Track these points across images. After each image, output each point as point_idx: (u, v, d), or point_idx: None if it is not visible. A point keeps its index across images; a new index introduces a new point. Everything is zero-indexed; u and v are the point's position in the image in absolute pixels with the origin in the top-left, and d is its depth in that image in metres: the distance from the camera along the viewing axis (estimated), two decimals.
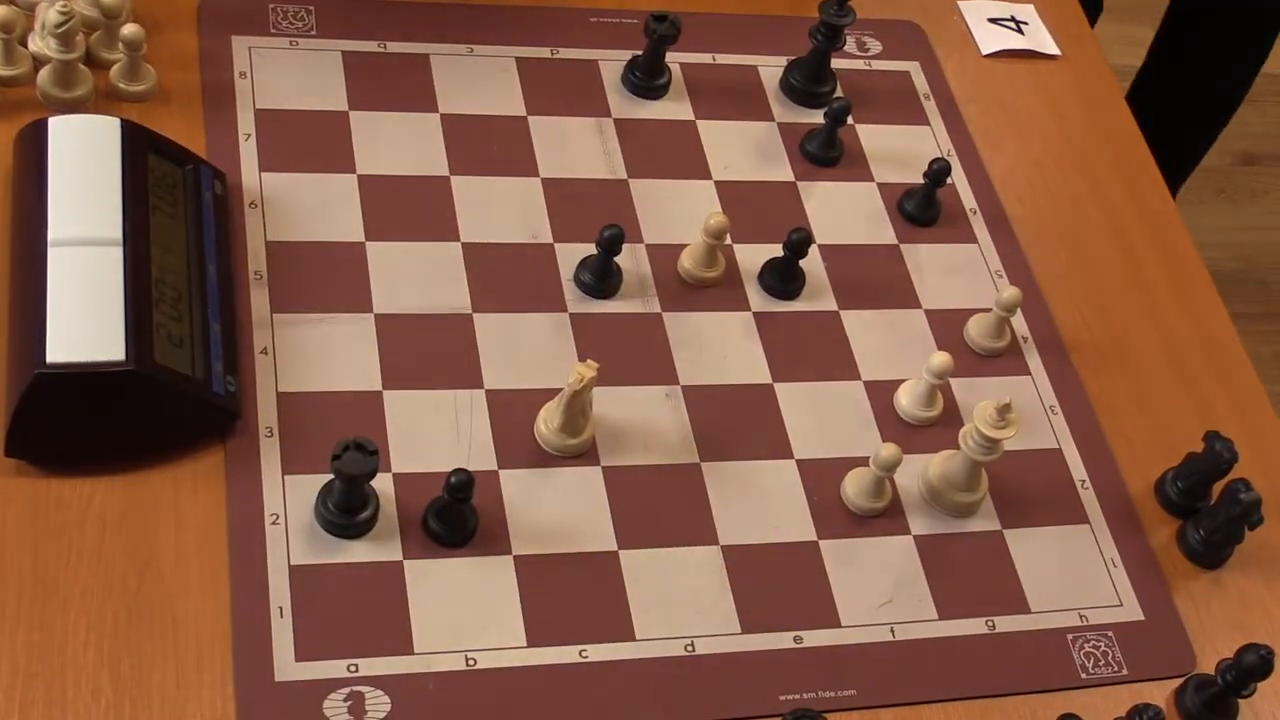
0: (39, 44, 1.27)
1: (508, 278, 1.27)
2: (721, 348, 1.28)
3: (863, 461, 1.21)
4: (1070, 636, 1.19)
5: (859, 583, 1.17)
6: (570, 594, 1.12)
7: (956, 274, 1.39)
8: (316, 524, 1.10)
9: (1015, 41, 1.61)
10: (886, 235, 1.40)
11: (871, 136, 1.47)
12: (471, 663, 1.07)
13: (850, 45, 1.53)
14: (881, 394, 1.28)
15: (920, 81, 1.54)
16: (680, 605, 1.13)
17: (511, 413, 1.19)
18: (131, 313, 1.08)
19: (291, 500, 1.11)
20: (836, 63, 1.49)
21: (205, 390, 1.11)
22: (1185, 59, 2.47)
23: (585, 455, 1.19)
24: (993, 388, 1.30)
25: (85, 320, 1.07)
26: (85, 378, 1.05)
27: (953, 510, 1.23)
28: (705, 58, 1.49)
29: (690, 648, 1.11)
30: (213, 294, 1.16)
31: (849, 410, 1.27)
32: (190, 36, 1.35)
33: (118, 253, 1.11)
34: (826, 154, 1.43)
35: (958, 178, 1.46)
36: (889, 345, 1.32)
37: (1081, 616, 1.20)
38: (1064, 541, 1.24)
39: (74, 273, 1.09)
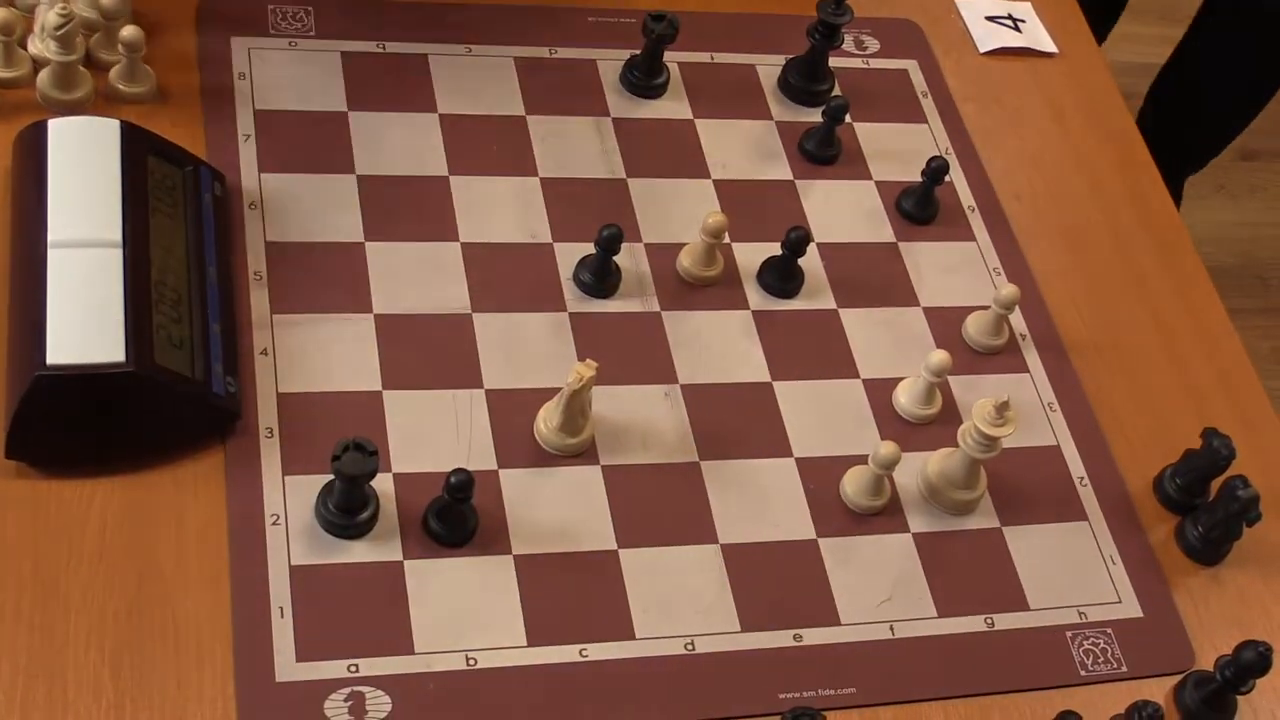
0: (38, 46, 1.28)
1: (507, 277, 1.27)
2: (720, 346, 1.28)
3: (862, 460, 1.21)
4: (1069, 634, 1.19)
5: (858, 581, 1.18)
6: (570, 593, 1.12)
7: (955, 272, 1.39)
8: (317, 524, 1.10)
9: (1013, 39, 1.61)
10: (885, 233, 1.40)
11: (869, 135, 1.47)
12: (472, 662, 1.07)
13: (848, 44, 1.53)
14: (880, 392, 1.29)
15: (918, 80, 1.54)
16: (680, 604, 1.13)
17: (511, 412, 1.20)
18: (131, 314, 1.08)
19: (292, 501, 1.11)
20: (834, 61, 1.50)
21: (205, 391, 1.11)
22: (1213, 58, 2.48)
23: (585, 454, 1.19)
24: (991, 385, 1.31)
25: (85, 322, 1.07)
26: (85, 379, 1.06)
27: (952, 508, 1.23)
28: (703, 57, 1.49)
29: (690, 646, 1.12)
30: (212, 295, 1.16)
31: (848, 408, 1.27)
32: (189, 38, 1.35)
33: (117, 254, 1.11)
34: (825, 153, 1.44)
35: (956, 176, 1.46)
36: (887, 343, 1.32)
37: (1080, 614, 1.20)
38: (1063, 539, 1.24)
39: (74, 274, 1.09)
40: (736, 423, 1.24)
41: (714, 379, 1.26)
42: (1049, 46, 1.62)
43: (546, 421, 1.18)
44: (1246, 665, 1.12)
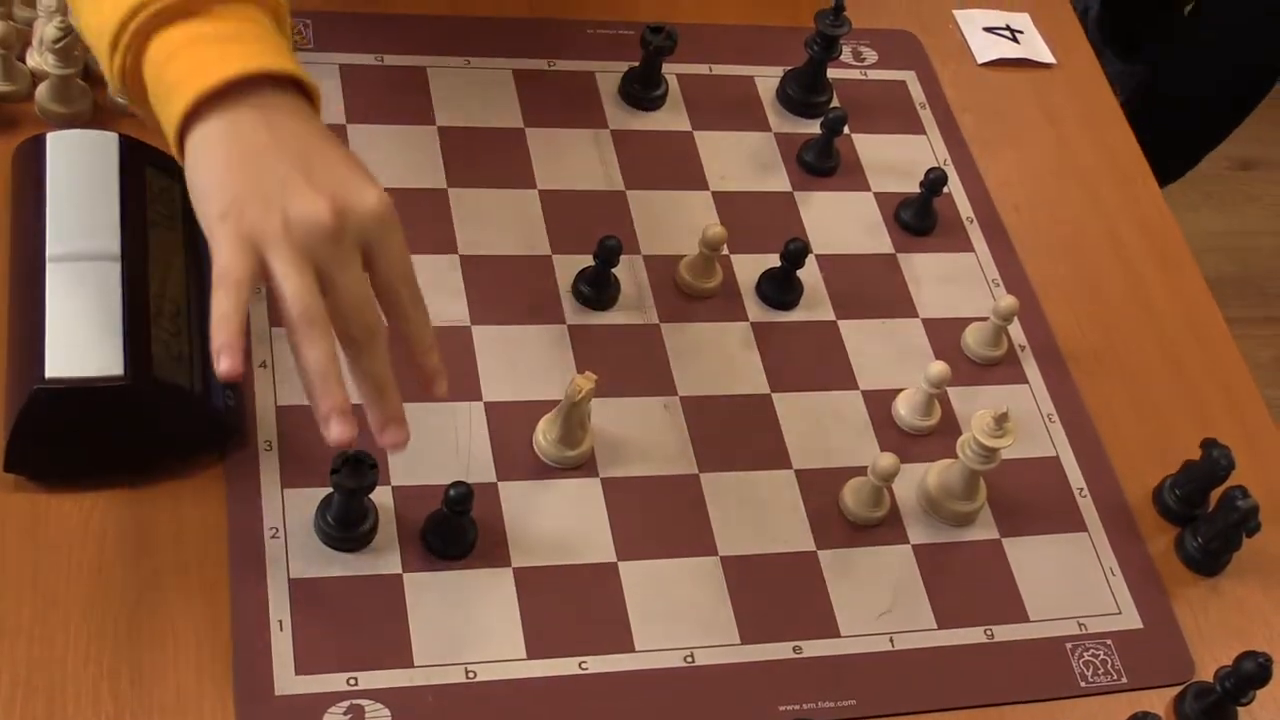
0: (37, 59, 1.28)
1: (506, 290, 1.27)
2: (719, 358, 1.28)
3: (861, 471, 1.21)
4: (1069, 645, 1.19)
5: (858, 592, 1.18)
6: (570, 606, 1.12)
7: (953, 283, 1.39)
8: (315, 537, 1.10)
9: (1011, 50, 1.62)
10: (883, 245, 1.40)
11: (868, 146, 1.47)
12: (471, 675, 1.07)
13: (846, 55, 1.54)
14: (879, 403, 1.29)
15: (916, 91, 1.54)
16: (680, 616, 1.13)
17: (510, 425, 1.19)
18: (130, 328, 1.08)
19: (291, 514, 1.11)
20: (832, 73, 1.50)
21: (204, 404, 1.11)
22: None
23: (584, 467, 1.19)
24: (990, 396, 1.31)
25: (84, 335, 1.07)
26: (84, 393, 1.05)
27: (951, 519, 1.23)
28: (702, 69, 1.49)
29: (690, 659, 1.11)
30: None
31: (847, 420, 1.27)
32: None
33: (116, 268, 1.11)
34: (823, 164, 1.44)
35: (954, 187, 1.46)
36: (887, 355, 1.32)
37: (1080, 625, 1.20)
38: (1062, 550, 1.24)
39: (72, 288, 1.09)
40: (736, 434, 1.24)
41: (713, 390, 1.26)
42: (1047, 57, 1.62)
43: (545, 434, 1.18)
44: (1247, 676, 1.12)
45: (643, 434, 1.22)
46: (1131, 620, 1.21)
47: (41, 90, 1.26)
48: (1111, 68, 2.76)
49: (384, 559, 1.11)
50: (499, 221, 1.32)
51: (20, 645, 1.02)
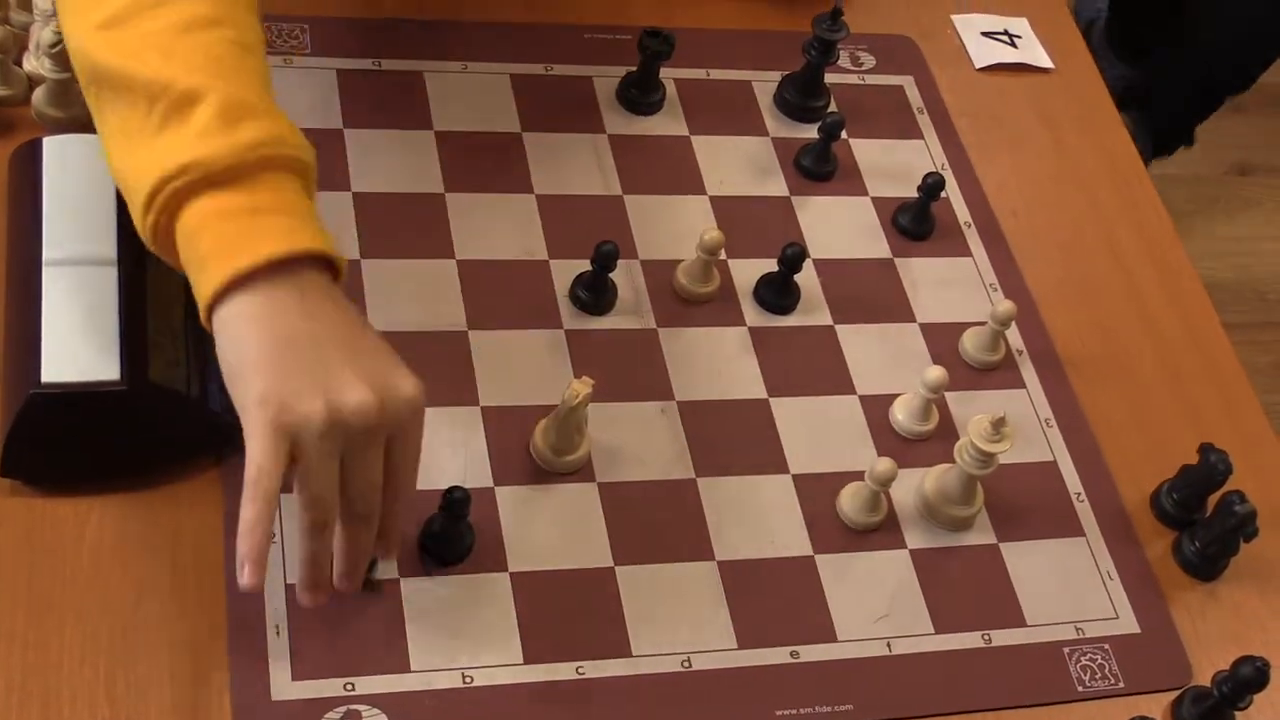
0: (33, 63, 1.28)
1: (503, 294, 1.27)
2: (717, 363, 1.28)
3: (858, 476, 1.21)
4: (1066, 649, 1.19)
5: (855, 597, 1.18)
6: (567, 611, 1.12)
7: (951, 288, 1.39)
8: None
9: (1008, 55, 1.62)
10: (881, 249, 1.40)
11: (865, 151, 1.47)
12: (468, 680, 1.07)
13: (844, 60, 1.54)
14: (877, 408, 1.28)
15: (914, 95, 1.54)
16: (677, 621, 1.13)
17: (507, 429, 1.19)
18: (127, 332, 1.08)
19: (288, 519, 1.10)
20: (830, 77, 1.50)
21: (201, 409, 1.10)
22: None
23: (581, 471, 1.19)
24: (988, 401, 1.30)
25: (80, 340, 1.07)
26: (80, 397, 1.05)
27: (948, 524, 1.23)
28: (699, 73, 1.49)
29: (687, 663, 1.11)
30: None
31: (844, 425, 1.27)
32: None
33: (113, 272, 1.11)
34: (821, 168, 1.44)
35: (952, 191, 1.46)
36: (884, 359, 1.32)
37: (1078, 629, 1.20)
38: (1060, 554, 1.24)
39: (69, 292, 1.09)
40: (733, 439, 1.24)
41: (710, 395, 1.26)
42: (1045, 62, 1.62)
43: (543, 438, 1.18)
44: (1244, 681, 1.12)
45: (640, 439, 1.22)
46: (1129, 625, 1.21)
47: (38, 94, 1.26)
48: (1112, 71, 2.78)
49: (380, 564, 1.10)
50: (496, 226, 1.32)
51: (15, 650, 1.02)
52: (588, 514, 1.17)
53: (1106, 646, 1.19)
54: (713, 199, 1.39)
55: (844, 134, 1.45)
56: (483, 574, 1.12)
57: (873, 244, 1.41)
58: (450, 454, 1.17)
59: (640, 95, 1.44)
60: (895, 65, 1.57)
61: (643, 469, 1.20)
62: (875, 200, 1.44)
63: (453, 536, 1.11)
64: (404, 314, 1.23)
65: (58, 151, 1.17)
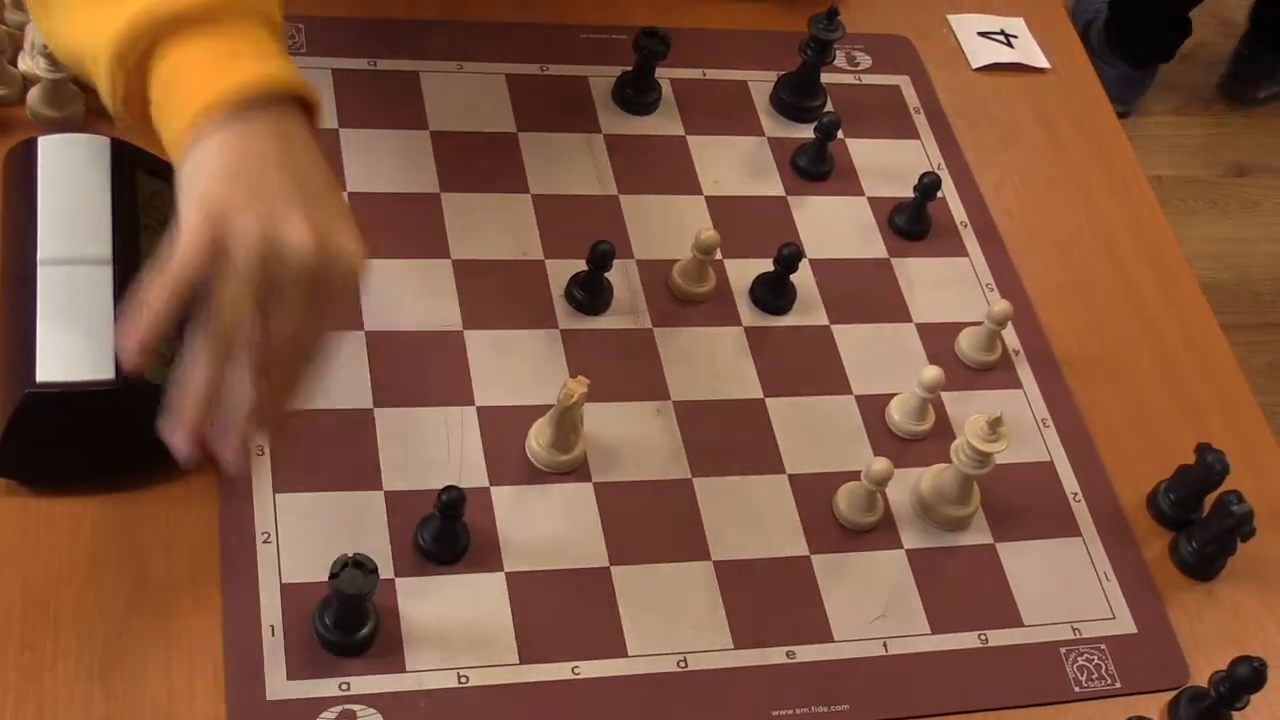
0: (28, 63, 1.27)
1: (498, 294, 1.27)
2: (712, 363, 1.28)
3: (854, 476, 1.21)
4: (1063, 650, 1.18)
5: (851, 597, 1.17)
6: (562, 610, 1.12)
7: (947, 287, 1.39)
8: (314, 637, 1.06)
9: (1005, 55, 1.61)
10: (877, 249, 1.40)
11: (862, 151, 1.47)
12: (464, 680, 1.07)
13: (840, 60, 1.54)
14: (873, 408, 1.28)
15: (910, 95, 1.54)
16: (672, 621, 1.13)
17: (503, 429, 1.19)
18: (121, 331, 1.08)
19: (283, 519, 1.10)
20: (826, 77, 1.50)
21: None
22: None
23: (577, 471, 1.19)
24: (984, 401, 1.30)
25: (75, 339, 1.07)
26: (75, 397, 1.05)
27: (945, 524, 1.23)
28: (695, 73, 1.49)
29: (683, 663, 1.11)
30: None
31: (840, 425, 1.27)
32: None
33: (107, 271, 1.11)
34: (817, 168, 1.44)
35: (948, 191, 1.46)
36: (880, 359, 1.32)
37: (1074, 629, 1.20)
38: (1056, 554, 1.24)
39: (64, 291, 1.09)
40: (729, 439, 1.24)
41: (706, 395, 1.26)
42: (1041, 62, 1.62)
43: (538, 438, 1.18)
44: (1241, 681, 1.11)
45: (636, 439, 1.22)
46: (1126, 625, 1.21)
47: (33, 94, 1.26)
48: (1113, 71, 2.79)
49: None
50: (492, 226, 1.32)
51: (11, 651, 1.01)
52: (583, 514, 1.17)
53: (1103, 647, 1.19)
54: (709, 199, 1.39)
55: (840, 134, 1.44)
56: (478, 574, 1.12)
57: (869, 244, 1.40)
58: (445, 454, 1.17)
59: (636, 95, 1.44)
60: (891, 65, 1.57)
61: (638, 469, 1.20)
62: (871, 200, 1.44)
63: (448, 536, 1.11)
64: (400, 314, 1.23)
65: (53, 151, 1.17)
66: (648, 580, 1.15)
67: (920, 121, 1.52)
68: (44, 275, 1.10)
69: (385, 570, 1.10)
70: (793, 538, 1.19)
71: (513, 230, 1.32)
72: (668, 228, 1.35)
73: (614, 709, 1.08)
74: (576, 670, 1.09)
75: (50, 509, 1.08)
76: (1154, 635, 1.21)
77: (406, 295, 1.25)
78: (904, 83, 1.55)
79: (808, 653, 1.14)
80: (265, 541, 1.09)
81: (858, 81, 1.54)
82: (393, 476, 1.14)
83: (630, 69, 1.44)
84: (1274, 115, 3.18)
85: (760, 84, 1.50)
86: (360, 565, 1.02)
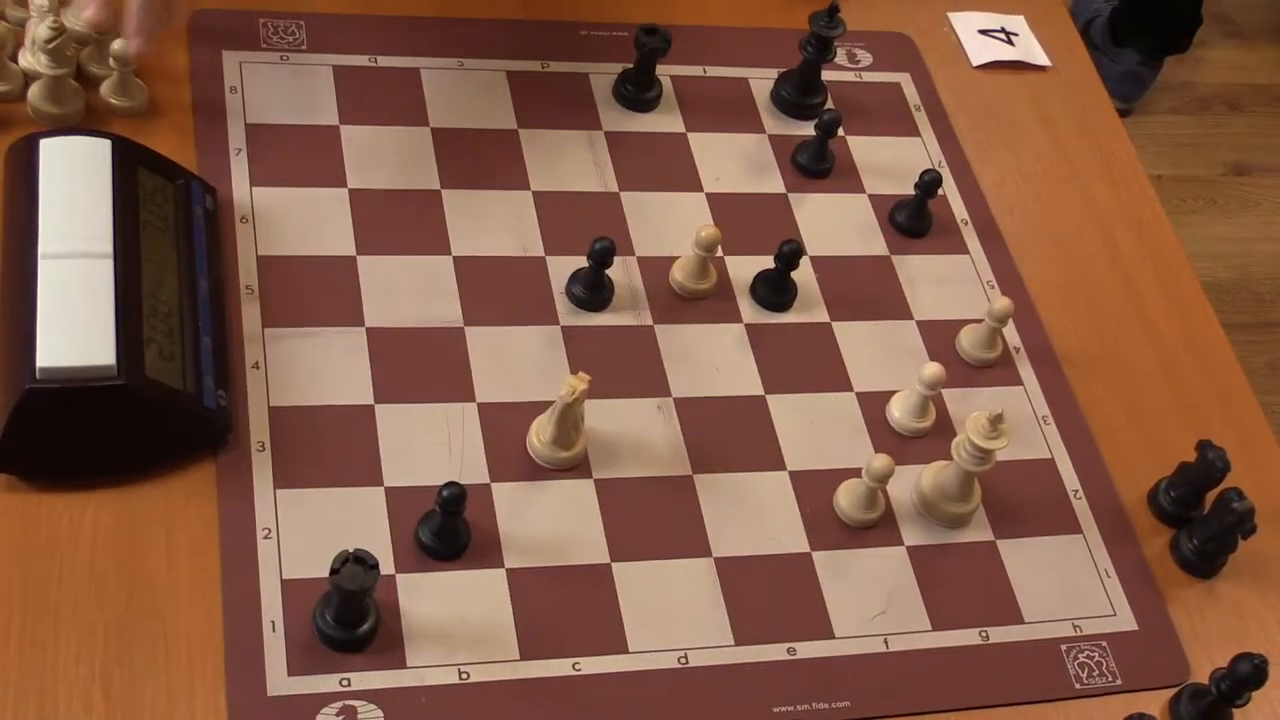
0: (29, 59, 1.27)
1: (499, 291, 1.27)
2: (713, 360, 1.28)
3: (855, 473, 1.21)
4: (1064, 647, 1.18)
5: (852, 594, 1.17)
6: (563, 607, 1.12)
7: (948, 285, 1.39)
8: (314, 633, 1.06)
9: (1006, 53, 1.61)
10: (878, 246, 1.40)
11: (862, 148, 1.47)
12: (464, 676, 1.07)
13: (840, 57, 1.54)
14: (873, 405, 1.28)
15: (911, 93, 1.54)
16: (673, 617, 1.13)
17: (503, 426, 1.19)
18: (122, 327, 1.08)
19: (283, 514, 1.10)
20: (827, 74, 1.50)
21: (196, 404, 1.10)
22: None
23: (577, 468, 1.19)
24: (985, 398, 1.30)
25: (76, 334, 1.07)
26: (75, 392, 1.05)
27: (946, 521, 1.22)
28: (696, 70, 1.49)
29: (684, 660, 1.11)
30: (204, 308, 1.16)
31: (841, 422, 1.27)
32: (181, 51, 1.35)
33: (108, 266, 1.11)
34: (817, 166, 1.44)
35: (949, 189, 1.46)
36: (881, 356, 1.32)
37: (1075, 627, 1.20)
38: (1057, 552, 1.24)
39: (64, 286, 1.09)
40: (730, 436, 1.24)
41: (707, 392, 1.26)
42: (1042, 60, 1.62)
43: (539, 435, 1.18)
44: (1242, 678, 1.11)
45: (636, 435, 1.22)
46: (1127, 622, 1.21)
47: (34, 90, 1.26)
48: (1115, 67, 2.79)
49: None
50: (493, 223, 1.32)
51: (11, 646, 1.01)
52: (584, 510, 1.17)
53: (1104, 644, 1.19)
54: (709, 196, 1.39)
55: (841, 131, 1.45)
56: (479, 570, 1.12)
57: (870, 241, 1.40)
58: (446, 450, 1.17)
59: (637, 92, 1.44)
60: (892, 62, 1.57)
61: (639, 466, 1.20)
62: (872, 197, 1.44)
63: (449, 533, 1.11)
64: (400, 310, 1.23)
65: (54, 148, 1.17)
66: (648, 577, 1.14)
67: (921, 119, 1.52)
68: (45, 270, 1.10)
69: (386, 566, 1.10)
70: (793, 534, 1.19)
71: (514, 227, 1.32)
72: (668, 225, 1.35)
73: (614, 705, 1.08)
74: (577, 666, 1.09)
75: (50, 504, 1.08)
76: (1155, 632, 1.21)
77: (407, 292, 1.25)
78: (905, 80, 1.55)
79: (808, 649, 1.14)
80: (266, 537, 1.09)
81: (858, 79, 1.54)
82: (393, 472, 1.14)
83: (631, 66, 1.44)
84: (1274, 115, 3.18)
85: (761, 81, 1.50)
86: (361, 561, 1.02)
